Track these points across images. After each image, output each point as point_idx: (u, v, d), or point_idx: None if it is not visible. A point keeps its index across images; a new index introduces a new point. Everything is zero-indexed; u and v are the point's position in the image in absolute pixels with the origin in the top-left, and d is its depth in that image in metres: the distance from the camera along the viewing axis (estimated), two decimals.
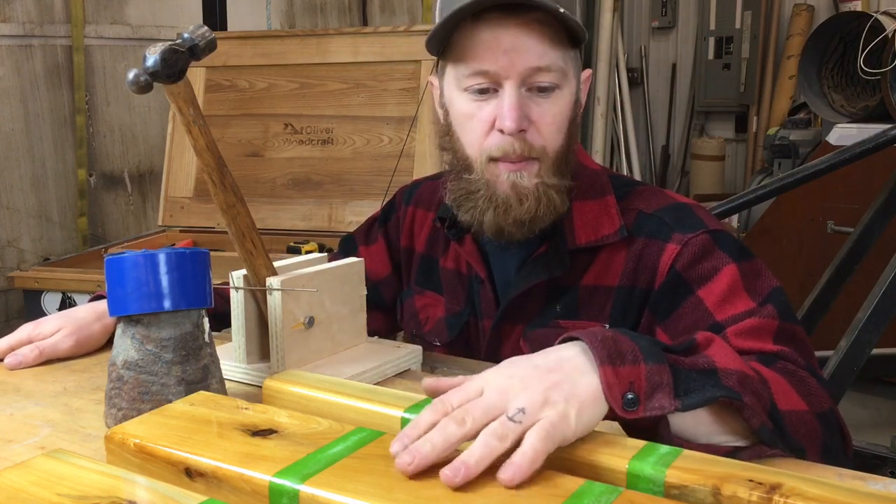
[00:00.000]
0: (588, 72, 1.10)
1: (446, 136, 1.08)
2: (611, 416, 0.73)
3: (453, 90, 1.05)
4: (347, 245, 1.34)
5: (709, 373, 0.76)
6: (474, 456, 0.63)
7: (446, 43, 1.04)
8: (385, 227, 1.30)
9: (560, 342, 0.78)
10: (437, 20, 1.02)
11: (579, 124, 1.09)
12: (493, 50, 0.99)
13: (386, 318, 1.31)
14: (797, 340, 0.93)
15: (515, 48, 0.98)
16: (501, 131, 1.00)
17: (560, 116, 1.02)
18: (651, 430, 0.75)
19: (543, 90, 1.01)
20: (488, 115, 1.01)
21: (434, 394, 0.76)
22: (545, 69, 0.99)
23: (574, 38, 1.02)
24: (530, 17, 0.98)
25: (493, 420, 0.67)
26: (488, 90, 1.01)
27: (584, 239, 1.07)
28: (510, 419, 0.67)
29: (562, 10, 0.96)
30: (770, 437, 0.78)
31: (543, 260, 1.08)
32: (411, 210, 1.27)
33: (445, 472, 0.62)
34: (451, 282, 1.20)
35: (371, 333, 1.16)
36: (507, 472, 0.63)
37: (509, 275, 1.13)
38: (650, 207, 1.07)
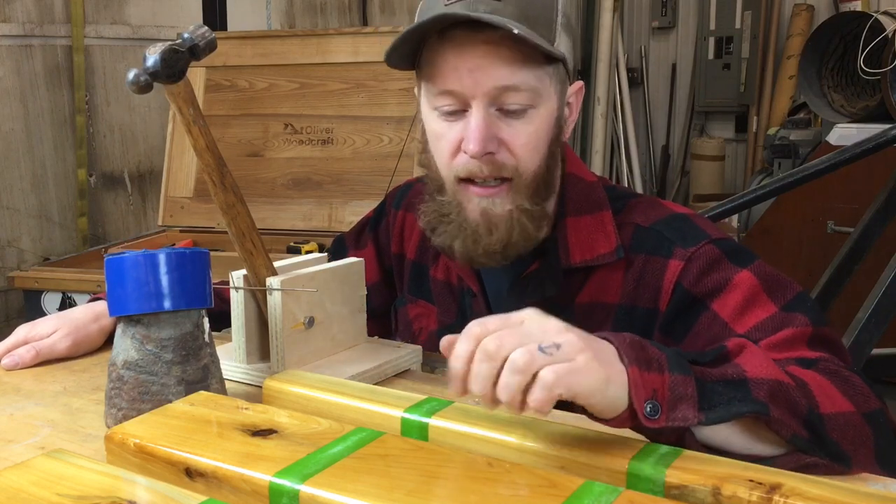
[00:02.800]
0: (578, 84, 1.05)
1: (423, 152, 1.05)
2: (632, 423, 0.72)
3: (426, 108, 1.01)
4: (338, 247, 1.31)
5: (738, 384, 0.74)
6: (489, 400, 0.67)
7: (419, 60, 1.00)
8: (375, 232, 1.27)
9: None
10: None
11: (563, 142, 1.05)
12: (459, 69, 0.94)
13: (375, 325, 1.24)
14: (832, 343, 0.90)
15: (480, 67, 0.93)
16: (466, 153, 0.96)
17: (535, 136, 0.97)
18: (676, 443, 0.74)
19: (513, 112, 0.96)
20: (456, 135, 0.97)
21: (450, 351, 0.73)
22: (513, 88, 0.94)
23: (549, 55, 0.96)
24: (497, 34, 0.92)
25: (524, 342, 0.67)
26: (456, 112, 0.97)
27: (578, 258, 1.03)
28: (541, 349, 0.67)
29: (516, 31, 0.89)
30: (806, 445, 0.75)
31: (536, 279, 1.05)
32: (401, 214, 1.24)
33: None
34: (442, 293, 1.17)
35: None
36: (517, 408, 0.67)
37: (501, 287, 1.10)
38: (647, 220, 1.03)
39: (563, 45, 0.98)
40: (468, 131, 0.96)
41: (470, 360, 0.69)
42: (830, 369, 0.84)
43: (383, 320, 1.28)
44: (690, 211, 1.07)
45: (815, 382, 0.80)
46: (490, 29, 0.92)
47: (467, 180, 0.99)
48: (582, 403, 0.70)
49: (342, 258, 1.26)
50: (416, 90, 1.07)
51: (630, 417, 0.71)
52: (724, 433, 0.76)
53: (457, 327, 1.13)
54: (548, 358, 0.66)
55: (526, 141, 0.97)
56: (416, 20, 0.98)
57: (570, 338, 0.69)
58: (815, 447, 0.76)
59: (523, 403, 0.67)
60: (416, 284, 1.22)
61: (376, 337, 1.17)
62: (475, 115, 0.95)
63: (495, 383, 0.67)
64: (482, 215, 0.99)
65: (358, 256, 1.25)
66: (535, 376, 0.66)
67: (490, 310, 1.11)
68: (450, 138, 0.98)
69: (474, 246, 1.00)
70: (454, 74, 0.95)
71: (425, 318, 1.20)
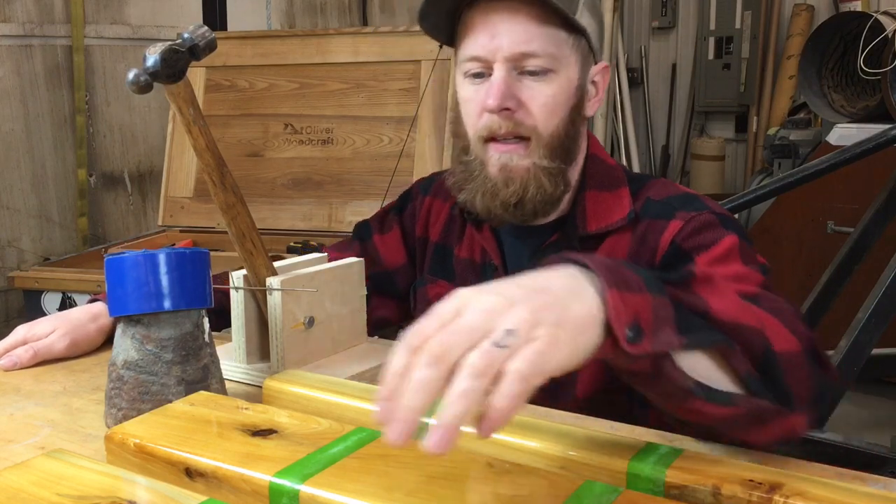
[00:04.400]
0: (602, 64, 1.11)
1: (455, 121, 1.12)
2: (609, 352, 0.64)
3: (459, 75, 1.09)
4: (362, 231, 1.34)
5: (702, 315, 0.75)
6: (447, 414, 0.54)
7: (455, 31, 1.08)
8: (401, 217, 1.31)
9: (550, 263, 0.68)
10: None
11: (587, 114, 1.11)
12: (483, 34, 1.02)
13: (398, 306, 1.31)
14: (776, 296, 0.92)
15: (502, 32, 1.01)
16: (485, 109, 1.03)
17: (552, 99, 1.04)
18: (646, 372, 0.68)
19: (534, 73, 1.03)
20: (481, 97, 1.04)
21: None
22: (532, 53, 1.02)
23: (569, 23, 1.03)
24: (517, 1, 1.01)
25: (474, 340, 0.57)
26: (483, 74, 1.04)
27: (594, 226, 1.09)
28: (497, 345, 0.56)
29: None
30: (757, 386, 0.76)
31: (554, 249, 1.10)
32: (429, 200, 1.28)
33: (427, 444, 0.54)
34: (465, 271, 1.21)
35: (383, 322, 1.16)
36: (484, 426, 0.55)
37: (523, 263, 1.14)
38: (659, 195, 1.09)
39: (585, 20, 1.05)
40: (489, 88, 1.03)
41: (403, 377, 0.57)
42: (775, 308, 0.85)
43: (407, 300, 1.31)
44: (702, 194, 1.11)
45: (767, 319, 0.82)
46: None
47: (490, 139, 1.05)
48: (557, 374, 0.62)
49: (366, 242, 1.28)
50: (453, 67, 1.17)
51: (611, 345, 0.64)
52: (693, 361, 0.72)
53: None
54: (506, 351, 0.56)
55: (544, 102, 1.04)
56: None
57: (519, 314, 0.58)
58: (765, 389, 0.77)
59: (482, 417, 0.56)
60: (438, 265, 1.25)
61: (376, 337, 1.17)
62: (496, 75, 1.03)
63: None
64: (501, 170, 1.05)
65: (384, 240, 1.29)
66: (498, 375, 0.56)
67: None
68: (476, 100, 1.05)
69: (492, 199, 1.06)
70: (480, 39, 1.03)
71: (445, 297, 1.22)
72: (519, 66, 1.03)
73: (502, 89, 1.02)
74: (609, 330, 0.63)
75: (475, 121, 1.06)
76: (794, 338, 0.82)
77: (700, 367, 0.74)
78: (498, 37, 1.02)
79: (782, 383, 0.78)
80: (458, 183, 1.10)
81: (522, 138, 1.05)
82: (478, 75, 1.05)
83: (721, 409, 0.74)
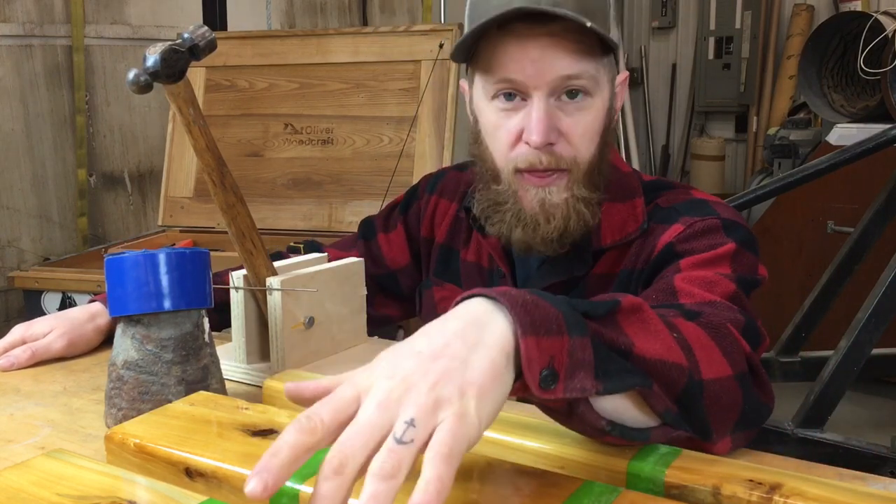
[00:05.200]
0: (625, 74, 1.08)
1: (476, 143, 1.07)
2: (520, 393, 0.62)
3: (482, 100, 1.03)
4: (367, 229, 1.33)
5: (626, 355, 0.69)
6: None
7: (474, 51, 1.02)
8: (405, 216, 1.30)
9: (457, 302, 0.65)
10: (466, 28, 1.00)
11: (615, 132, 1.08)
12: (520, 60, 0.97)
13: (402, 305, 1.30)
14: (743, 307, 0.89)
15: (543, 58, 0.96)
16: (528, 143, 0.98)
17: (591, 126, 1.01)
18: (560, 410, 0.67)
19: (574, 95, 0.98)
20: (516, 125, 1.00)
21: (297, 401, 0.62)
22: (574, 78, 0.97)
23: (605, 45, 0.99)
24: (558, 26, 0.95)
25: (378, 445, 0.54)
26: (515, 97, 0.99)
27: (609, 239, 1.07)
28: (399, 441, 0.53)
29: (589, 24, 0.93)
30: (674, 420, 0.73)
31: (565, 260, 1.08)
32: (434, 199, 1.26)
33: None
34: (471, 275, 1.19)
35: (386, 320, 1.16)
36: None
37: (531, 270, 1.13)
38: (668, 203, 1.07)
39: (614, 35, 1.01)
40: (530, 122, 0.98)
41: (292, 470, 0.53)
42: (712, 324, 0.81)
43: (411, 303, 1.30)
44: (715, 198, 1.08)
45: (699, 343, 0.77)
46: (552, 21, 0.94)
47: (523, 171, 1.01)
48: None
49: (371, 241, 1.28)
50: (462, 83, 1.11)
51: (521, 388, 0.62)
52: (610, 402, 0.70)
53: None
54: (412, 448, 0.53)
55: (584, 131, 1.00)
56: (471, 13, 1.00)
57: (416, 399, 0.55)
58: (683, 421, 0.74)
59: None
60: (442, 267, 1.24)
61: (376, 337, 1.17)
62: (537, 107, 0.97)
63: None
64: (540, 205, 1.01)
65: (388, 239, 1.28)
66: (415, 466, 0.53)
67: None
68: (509, 128, 1.00)
69: (533, 234, 1.02)
70: (516, 66, 0.97)
71: (451, 301, 1.20)
72: (558, 93, 0.98)
73: (546, 123, 0.97)
74: (522, 373, 0.60)
75: (507, 151, 1.01)
76: (726, 361, 0.78)
77: (615, 406, 0.71)
78: (539, 62, 0.96)
79: (702, 415, 0.75)
80: (487, 213, 1.06)
81: (561, 170, 1.00)
82: (509, 96, 0.99)
83: (636, 443, 0.73)
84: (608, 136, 1.04)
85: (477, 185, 1.08)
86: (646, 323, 0.73)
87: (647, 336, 0.72)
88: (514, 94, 0.99)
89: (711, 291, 0.89)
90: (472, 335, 0.60)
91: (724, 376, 0.78)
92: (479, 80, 1.03)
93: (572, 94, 0.98)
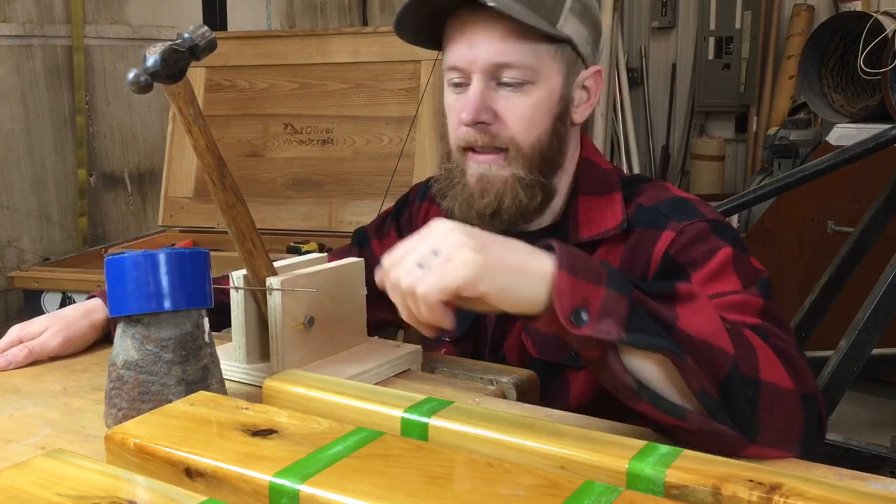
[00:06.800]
0: (594, 68, 1.09)
1: (443, 125, 1.13)
2: (556, 327, 0.73)
3: (445, 83, 1.09)
4: (360, 239, 1.35)
5: (665, 326, 0.75)
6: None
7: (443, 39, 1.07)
8: (397, 223, 1.31)
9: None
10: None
11: (575, 121, 1.09)
12: (461, 45, 1.03)
13: (396, 310, 1.30)
14: (780, 322, 0.92)
15: (478, 42, 1.01)
16: (461, 122, 1.04)
17: (531, 110, 1.03)
18: (594, 359, 0.76)
19: (510, 85, 1.02)
20: (461, 107, 1.04)
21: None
22: (507, 65, 1.01)
23: (549, 35, 1.02)
24: (493, 14, 0.99)
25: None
26: (462, 84, 1.05)
27: (586, 233, 1.08)
28: (418, 264, 0.72)
29: (505, 10, 0.96)
30: (713, 406, 0.76)
31: None
32: (425, 206, 1.28)
33: None
34: None
35: (383, 323, 1.16)
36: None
37: None
38: (650, 201, 1.08)
39: (569, 28, 1.03)
40: (465, 101, 1.03)
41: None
42: (779, 347, 0.84)
43: None
44: (696, 197, 1.10)
45: (763, 352, 0.81)
46: (489, 9, 0.98)
47: (469, 148, 1.06)
48: (490, 302, 0.72)
49: (365, 248, 1.29)
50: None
51: (552, 321, 0.73)
52: (643, 364, 0.76)
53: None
54: (423, 271, 0.71)
55: (521, 114, 1.03)
56: None
57: (452, 238, 0.72)
58: (723, 411, 0.76)
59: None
60: None
61: (376, 337, 1.17)
62: (472, 87, 1.03)
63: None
64: (478, 180, 1.06)
65: (383, 245, 1.29)
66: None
67: None
68: (456, 109, 1.06)
69: (468, 209, 1.06)
70: (458, 50, 1.03)
71: None
72: (496, 77, 1.02)
73: (477, 103, 1.02)
74: (552, 304, 0.71)
75: (455, 130, 1.07)
76: (789, 376, 0.81)
77: (648, 371, 0.76)
78: (475, 47, 1.01)
79: (751, 411, 0.77)
80: (442, 190, 1.11)
81: (500, 149, 1.04)
82: (458, 85, 1.05)
83: (669, 419, 0.76)
84: (560, 125, 1.06)
85: (439, 167, 1.14)
86: (699, 308, 0.78)
87: (697, 318, 0.77)
88: (461, 83, 1.05)
89: (744, 313, 0.91)
90: (525, 248, 0.75)
91: (785, 387, 0.81)
92: (443, 67, 1.10)
93: (508, 84, 1.02)
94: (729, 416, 0.77)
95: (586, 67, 1.08)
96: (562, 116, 1.06)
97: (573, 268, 0.72)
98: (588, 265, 0.74)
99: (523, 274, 0.72)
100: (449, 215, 1.09)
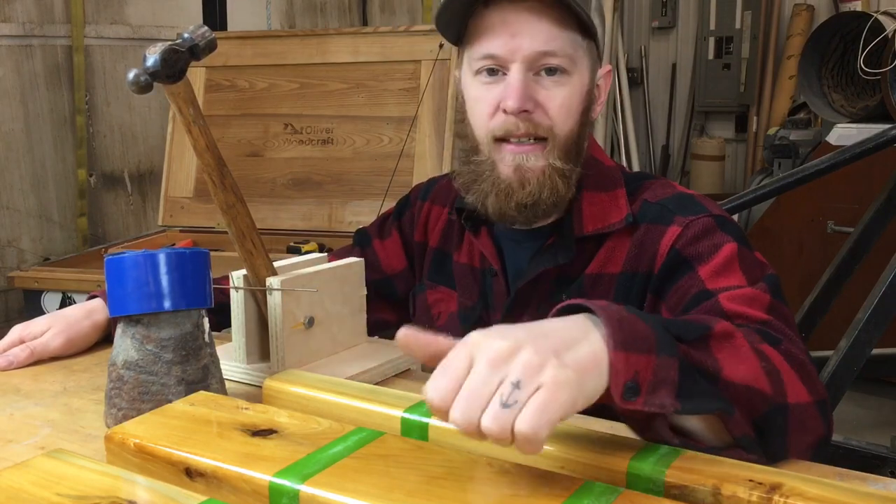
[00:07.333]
0: (607, 67, 1.11)
1: (461, 121, 1.11)
2: (605, 400, 0.67)
3: (467, 75, 1.08)
4: (362, 239, 1.35)
5: (712, 380, 0.74)
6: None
7: (464, 30, 1.07)
8: (399, 222, 1.31)
9: (558, 311, 0.71)
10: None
11: (593, 117, 1.11)
12: (501, 34, 1.01)
13: (398, 310, 1.31)
14: (786, 319, 0.93)
15: (522, 32, 1.01)
16: (505, 111, 1.02)
17: (569, 101, 1.04)
18: (643, 422, 0.72)
19: (552, 73, 1.03)
20: (495, 97, 1.03)
21: (406, 348, 0.68)
22: (551, 53, 1.01)
23: (584, 27, 1.03)
24: (537, 2, 1.00)
25: (487, 399, 0.60)
26: (496, 72, 1.04)
27: (591, 227, 1.08)
28: (504, 405, 0.60)
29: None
30: (750, 445, 0.76)
31: (551, 250, 1.10)
32: (427, 206, 1.28)
33: None
34: (465, 276, 1.20)
35: (383, 324, 1.16)
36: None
37: (521, 267, 1.14)
38: (655, 197, 1.09)
39: (597, 25, 1.05)
40: (507, 90, 1.02)
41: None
42: (792, 355, 0.84)
43: (407, 307, 1.31)
44: (700, 194, 1.11)
45: (787, 373, 0.81)
46: None
47: (503, 139, 1.04)
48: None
49: (367, 248, 1.29)
50: (455, 71, 1.15)
51: (606, 396, 0.67)
52: (687, 421, 0.76)
53: (478, 308, 1.18)
54: (515, 409, 0.59)
55: (561, 104, 1.04)
56: None
57: (525, 357, 0.61)
58: (758, 446, 0.77)
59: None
60: (436, 271, 1.25)
61: (376, 337, 1.17)
62: (513, 75, 1.02)
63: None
64: (516, 171, 1.04)
65: (384, 245, 1.29)
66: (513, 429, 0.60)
67: (509, 290, 1.14)
68: (488, 100, 1.04)
69: (507, 200, 1.05)
70: (497, 39, 1.02)
71: (444, 303, 1.24)
72: (536, 67, 1.02)
73: (521, 90, 1.01)
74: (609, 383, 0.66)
75: (486, 121, 1.05)
76: (807, 390, 0.82)
77: (691, 425, 0.76)
78: (518, 36, 1.01)
79: (782, 439, 0.79)
80: (466, 184, 1.09)
81: (539, 139, 1.04)
82: (491, 72, 1.04)
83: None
84: (586, 118, 1.08)
85: (460, 161, 1.12)
86: (736, 349, 0.77)
87: (737, 363, 0.76)
88: (496, 69, 1.03)
89: (753, 307, 0.92)
90: (578, 331, 0.66)
91: (804, 402, 0.81)
92: (465, 58, 1.08)
93: (550, 71, 1.02)
94: (762, 447, 0.77)
95: (601, 65, 1.10)
96: (587, 110, 1.08)
97: (625, 343, 0.66)
98: (635, 329, 0.68)
99: (596, 367, 0.65)
100: (479, 207, 1.08)
